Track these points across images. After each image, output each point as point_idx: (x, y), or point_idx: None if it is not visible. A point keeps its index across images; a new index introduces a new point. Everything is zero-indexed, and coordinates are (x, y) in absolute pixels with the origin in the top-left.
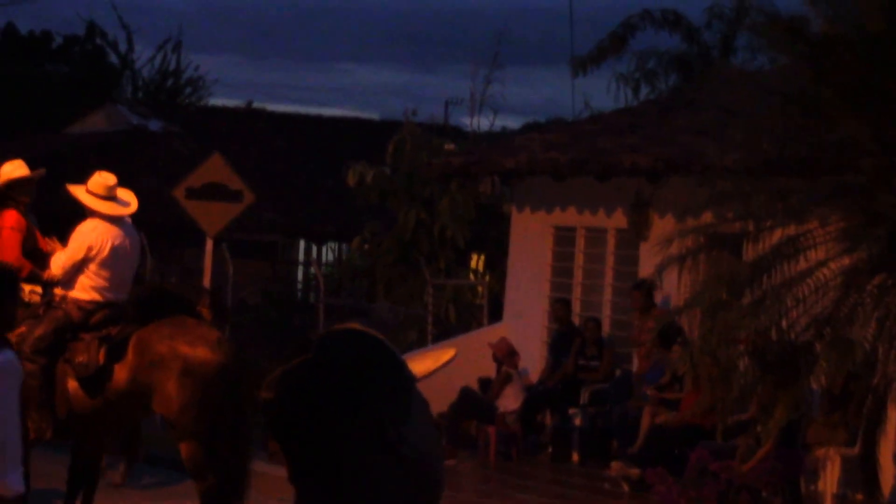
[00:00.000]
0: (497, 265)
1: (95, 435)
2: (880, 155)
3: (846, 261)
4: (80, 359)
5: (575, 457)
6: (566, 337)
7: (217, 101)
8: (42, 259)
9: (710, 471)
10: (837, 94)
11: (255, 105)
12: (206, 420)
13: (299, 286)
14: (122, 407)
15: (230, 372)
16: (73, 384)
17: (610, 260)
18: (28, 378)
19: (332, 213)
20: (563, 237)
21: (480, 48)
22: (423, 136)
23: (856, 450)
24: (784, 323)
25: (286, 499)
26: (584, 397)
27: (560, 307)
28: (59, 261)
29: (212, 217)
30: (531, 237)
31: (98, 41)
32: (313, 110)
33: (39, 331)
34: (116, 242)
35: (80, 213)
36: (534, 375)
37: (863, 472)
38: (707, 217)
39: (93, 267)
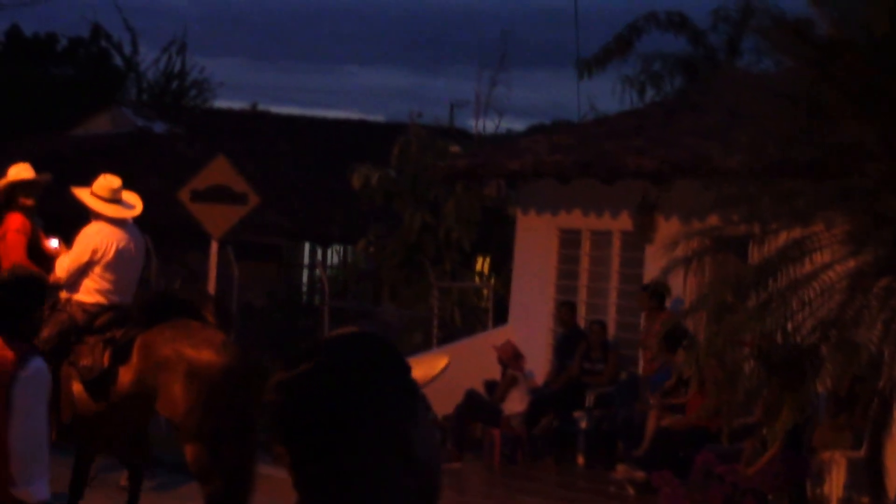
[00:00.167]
0: (502, 268)
1: (100, 438)
2: (886, 158)
3: (852, 263)
4: (85, 362)
5: (580, 460)
6: (571, 340)
7: (222, 103)
8: (46, 262)
9: (715, 474)
10: (843, 97)
11: (260, 107)
12: (211, 422)
13: (304, 289)
14: (127, 409)
15: (235, 374)
16: (77, 387)
17: (615, 263)
18: None
19: (337, 215)
20: (569, 240)
21: (486, 50)
22: (428, 138)
23: (862, 453)
24: (790, 326)
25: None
26: (590, 400)
27: (565, 310)
28: (64, 264)
29: (217, 219)
30: (536, 240)
31: (103, 43)
32: (318, 113)
33: (44, 333)
34: (121, 245)
35: (84, 215)
36: (539, 378)
37: (869, 475)
38: (712, 220)
39: (97, 270)
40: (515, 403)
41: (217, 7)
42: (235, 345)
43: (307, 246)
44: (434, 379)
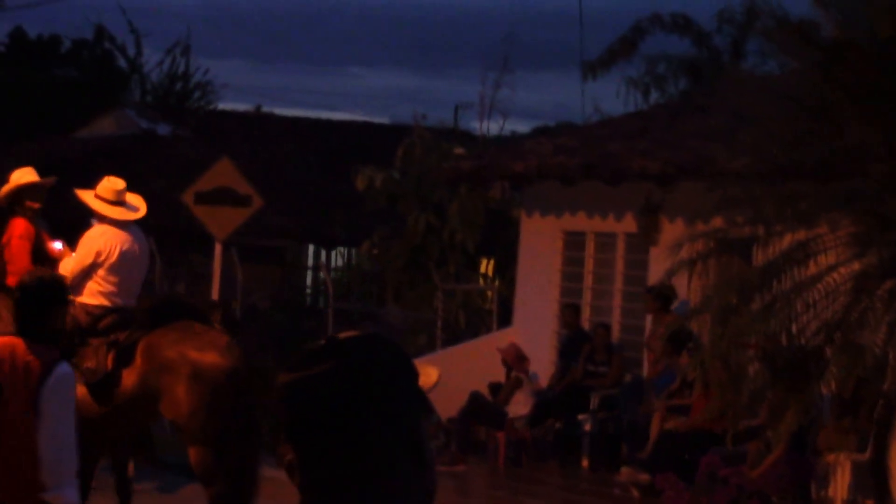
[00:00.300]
0: (507, 270)
1: (103, 440)
2: (891, 160)
3: (856, 266)
4: (89, 364)
5: (584, 462)
6: (575, 342)
7: (226, 105)
8: (50, 265)
9: (720, 476)
10: (848, 99)
11: (264, 109)
12: (215, 425)
13: (308, 291)
14: (131, 412)
15: (239, 376)
16: (81, 389)
17: (620, 265)
18: None
19: (341, 217)
20: (573, 242)
21: (490, 52)
22: (432, 140)
23: (866, 455)
24: (794, 328)
25: None
26: (594, 402)
27: (569, 312)
28: (68, 266)
29: (221, 221)
30: (541, 242)
31: (107, 45)
32: (322, 114)
33: None
34: (125, 247)
35: (87, 218)
36: (543, 381)
37: (873, 477)
38: (717, 222)
39: (101, 272)
40: (520, 406)
41: (221, 9)
42: (239, 347)
43: (311, 248)
44: (427, 392)
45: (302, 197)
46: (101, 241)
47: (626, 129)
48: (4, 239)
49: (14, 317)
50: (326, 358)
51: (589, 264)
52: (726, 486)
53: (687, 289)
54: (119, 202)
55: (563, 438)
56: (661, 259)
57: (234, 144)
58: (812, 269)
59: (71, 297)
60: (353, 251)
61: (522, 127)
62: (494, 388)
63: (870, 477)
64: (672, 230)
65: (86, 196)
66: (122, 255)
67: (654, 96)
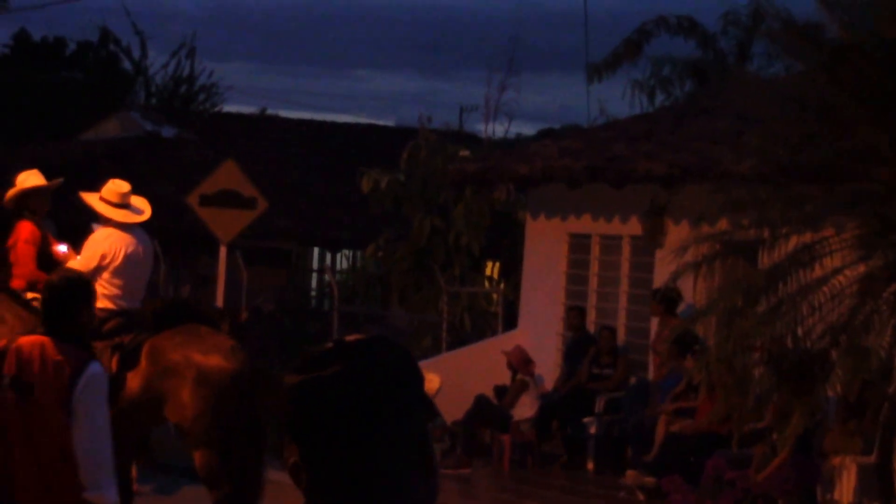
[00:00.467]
0: (512, 272)
1: None
2: None
3: (862, 268)
4: None
5: (590, 465)
6: (581, 345)
7: (231, 107)
8: (55, 267)
9: (725, 479)
10: (853, 102)
11: (269, 112)
12: (220, 428)
13: (313, 294)
14: (135, 415)
15: (244, 380)
16: None
17: (625, 267)
18: None
19: (347, 220)
20: (578, 244)
21: (495, 55)
22: (437, 142)
23: (872, 458)
24: (800, 331)
25: None
26: (600, 405)
27: (574, 315)
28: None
29: (225, 224)
30: (546, 244)
31: (111, 48)
32: (327, 117)
33: None
34: (129, 250)
35: (90, 221)
36: (549, 383)
37: (879, 480)
38: (722, 224)
39: (106, 275)
40: (525, 409)
41: (226, 11)
42: (244, 350)
43: (316, 250)
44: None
45: (307, 199)
46: (105, 244)
47: (632, 132)
48: (10, 242)
49: (41, 316)
50: (334, 360)
51: (594, 267)
52: (732, 489)
53: (692, 291)
54: (124, 205)
55: (569, 441)
56: (667, 261)
57: (239, 147)
58: (818, 271)
59: None
60: (359, 254)
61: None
62: (500, 390)
63: (875, 480)
64: (677, 232)
65: (90, 199)
66: (127, 257)
67: (660, 98)
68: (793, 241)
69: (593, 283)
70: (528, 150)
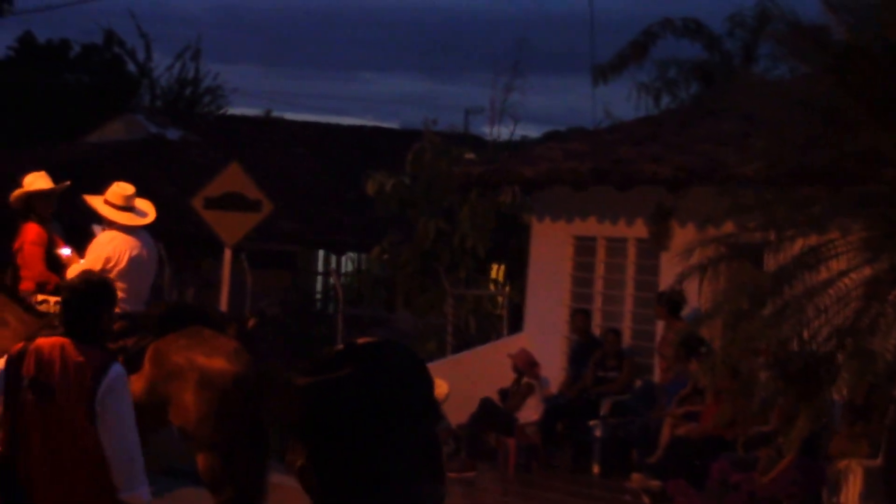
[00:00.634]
0: (517, 275)
1: None
2: None
3: (868, 271)
4: None
5: (595, 468)
6: (586, 348)
7: (236, 109)
8: (61, 270)
9: (731, 482)
10: (860, 104)
11: (274, 114)
12: (223, 431)
13: (318, 296)
14: (139, 419)
15: (248, 383)
16: None
17: (630, 270)
18: None
19: (352, 222)
20: (584, 247)
21: (500, 57)
22: (442, 145)
23: (878, 461)
24: (805, 333)
25: None
26: (605, 408)
27: (580, 318)
28: (76, 273)
29: (230, 227)
30: (551, 247)
31: (116, 50)
32: (332, 119)
33: None
34: (134, 253)
35: (90, 223)
36: (554, 386)
37: (885, 483)
38: (728, 227)
39: (110, 278)
40: (530, 412)
41: (231, 13)
42: (248, 353)
43: (321, 253)
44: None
45: (312, 202)
46: (110, 247)
47: (637, 134)
48: (17, 244)
49: (61, 318)
50: (344, 363)
51: (600, 269)
52: (737, 493)
53: (698, 294)
54: (128, 207)
55: (574, 444)
56: (673, 264)
57: (244, 149)
58: (823, 274)
59: None
60: (364, 256)
61: (533, 132)
62: (505, 393)
63: (881, 483)
64: (683, 235)
65: (95, 201)
66: (132, 260)
67: (666, 101)
68: (798, 244)
69: (599, 285)
70: (534, 152)
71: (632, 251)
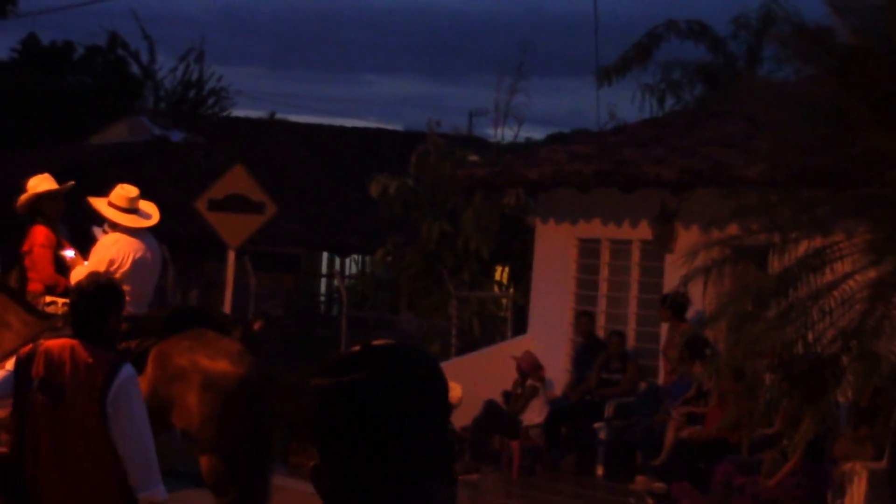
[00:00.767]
0: (522, 277)
1: None
2: None
3: (873, 273)
4: None
5: (600, 471)
6: (590, 350)
7: (239, 112)
8: (65, 272)
9: (735, 485)
10: (864, 106)
11: (278, 116)
12: (227, 433)
13: (322, 299)
14: None
15: (251, 385)
16: None
17: (635, 272)
18: None
19: (356, 224)
20: (588, 249)
21: (505, 58)
22: (446, 147)
23: (883, 464)
24: (810, 336)
25: None
26: (609, 411)
27: (584, 321)
28: (81, 275)
29: (234, 229)
30: (556, 249)
31: (120, 52)
32: (336, 121)
33: None
34: (138, 255)
35: (90, 224)
36: (558, 389)
37: (890, 486)
38: (732, 229)
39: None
40: (534, 414)
41: (235, 16)
42: (251, 355)
43: (325, 255)
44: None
45: (316, 204)
46: (113, 250)
47: (642, 136)
48: (26, 247)
49: (69, 320)
50: (361, 365)
51: (604, 272)
52: (742, 495)
53: (702, 296)
54: (132, 210)
55: (578, 447)
56: (677, 266)
57: (248, 151)
58: (828, 276)
59: None
60: (367, 259)
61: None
62: (507, 396)
63: (886, 486)
64: (687, 237)
65: (99, 203)
66: (135, 263)
67: (670, 103)
68: (803, 246)
69: (603, 287)
70: (538, 154)
71: (636, 253)
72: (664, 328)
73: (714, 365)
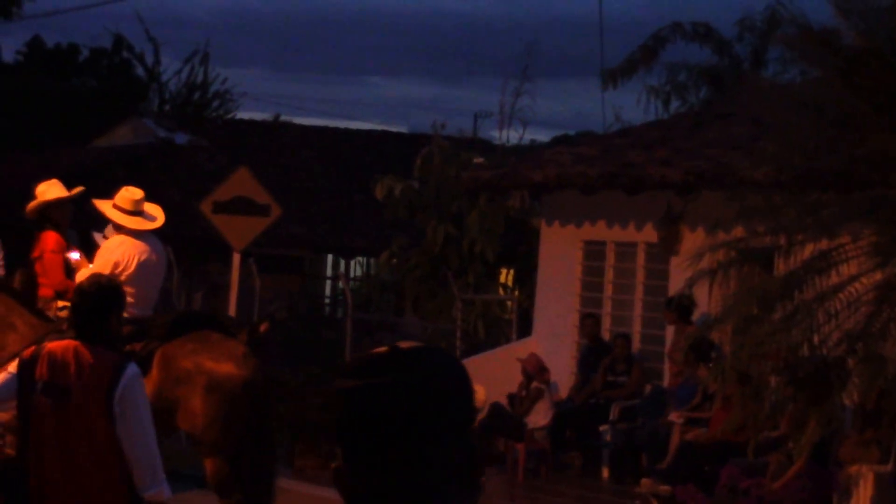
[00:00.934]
0: (526, 280)
1: None
2: None
3: (878, 276)
4: None
5: (605, 473)
6: (595, 353)
7: (244, 114)
8: (72, 276)
9: (741, 488)
10: (870, 108)
11: (283, 118)
12: (231, 436)
13: (327, 301)
14: None
15: (256, 387)
16: None
17: (640, 274)
18: None
19: (360, 227)
20: (593, 251)
21: (510, 61)
22: (451, 149)
23: (889, 467)
24: (816, 338)
25: None
26: (615, 413)
27: (589, 323)
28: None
29: (239, 231)
30: (560, 251)
31: (125, 54)
32: (341, 123)
33: None
34: (143, 258)
35: (90, 227)
36: (563, 391)
37: None
38: (738, 231)
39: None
40: (539, 416)
41: (240, 18)
42: (256, 357)
43: (330, 258)
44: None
45: (320, 206)
46: (118, 252)
47: (647, 138)
48: (36, 252)
49: (70, 321)
50: (387, 368)
51: (609, 274)
52: (747, 498)
53: (708, 299)
54: (137, 212)
55: (583, 449)
56: (682, 268)
57: (253, 153)
58: (834, 278)
59: None
60: (372, 261)
61: (542, 136)
62: (512, 398)
63: (892, 488)
64: (693, 239)
65: (104, 206)
66: (140, 265)
67: (675, 105)
68: (809, 249)
69: (608, 290)
70: (543, 156)
71: (641, 255)
72: (670, 331)
73: (720, 367)
